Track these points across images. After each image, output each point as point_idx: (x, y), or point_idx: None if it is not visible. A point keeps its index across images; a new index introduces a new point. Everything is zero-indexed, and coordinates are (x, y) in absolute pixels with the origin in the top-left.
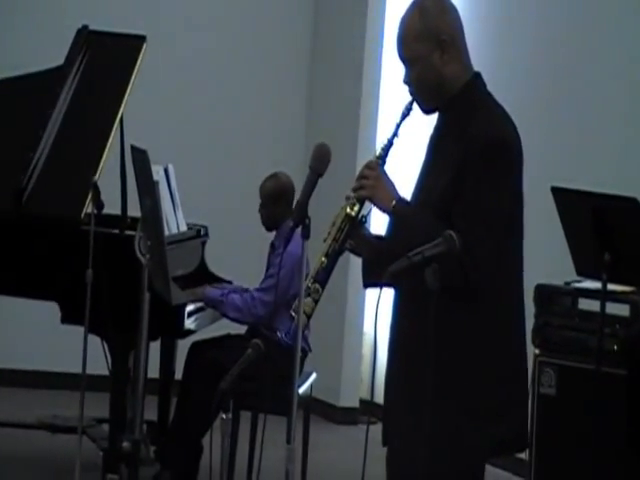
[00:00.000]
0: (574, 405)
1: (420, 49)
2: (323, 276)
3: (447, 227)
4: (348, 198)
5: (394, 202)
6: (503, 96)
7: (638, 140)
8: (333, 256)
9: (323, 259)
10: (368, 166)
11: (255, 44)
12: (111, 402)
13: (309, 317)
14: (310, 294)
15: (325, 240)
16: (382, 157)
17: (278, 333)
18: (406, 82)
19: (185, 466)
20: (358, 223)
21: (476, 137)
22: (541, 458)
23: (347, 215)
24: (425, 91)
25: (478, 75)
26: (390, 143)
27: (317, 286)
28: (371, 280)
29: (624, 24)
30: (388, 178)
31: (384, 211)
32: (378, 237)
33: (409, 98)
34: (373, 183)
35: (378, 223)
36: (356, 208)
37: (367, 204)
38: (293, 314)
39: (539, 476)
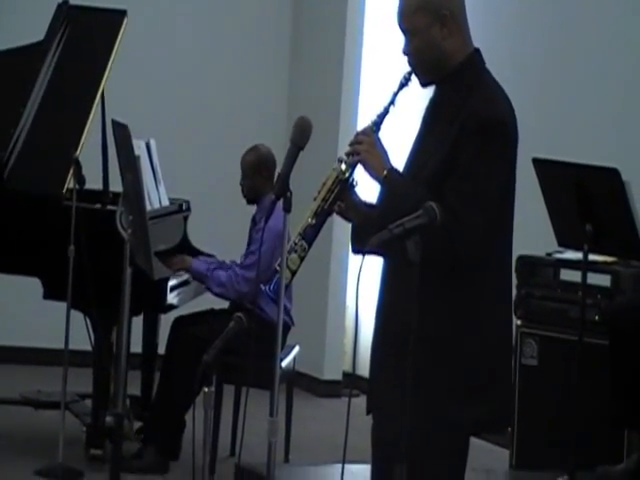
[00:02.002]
0: (556, 375)
1: (420, 21)
2: (311, 234)
3: (437, 200)
4: (340, 160)
5: (385, 171)
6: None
7: (619, 111)
8: (322, 216)
9: (311, 218)
10: (363, 132)
11: (238, 20)
12: (94, 377)
13: (294, 274)
14: (296, 251)
15: (315, 199)
16: (377, 124)
17: (262, 286)
18: (405, 53)
19: (168, 441)
20: (348, 186)
21: (473, 114)
22: (523, 429)
23: (338, 177)
24: (423, 64)
25: (477, 51)
26: (386, 111)
27: (304, 243)
28: (360, 246)
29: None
30: (382, 146)
31: (375, 178)
32: (367, 204)
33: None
34: (367, 148)
35: (366, 190)
36: (348, 171)
37: (358, 169)
38: (277, 268)
39: (521, 447)
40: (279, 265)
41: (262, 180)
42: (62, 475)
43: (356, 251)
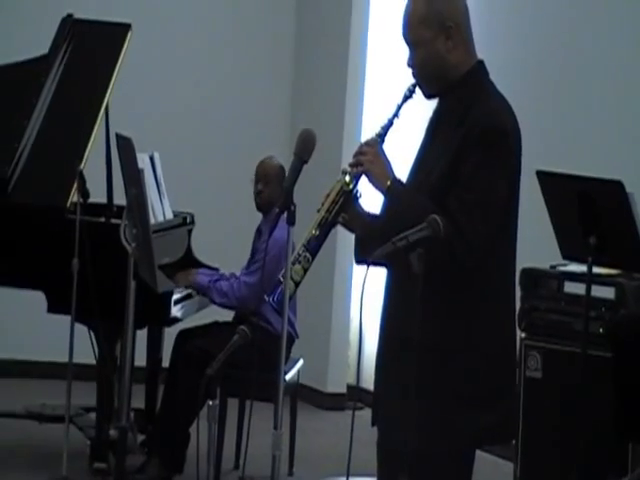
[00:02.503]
0: (560, 388)
1: (424, 34)
2: (315, 246)
3: (440, 209)
4: (344, 172)
5: (389, 182)
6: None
7: (622, 123)
8: (326, 227)
9: (315, 229)
10: (367, 143)
11: (240, 31)
12: (98, 391)
13: (297, 284)
14: (300, 262)
15: (319, 211)
16: (381, 136)
17: (265, 297)
18: (409, 65)
19: (173, 454)
20: (352, 198)
21: (476, 123)
22: (527, 441)
23: (342, 188)
24: (427, 76)
25: (481, 63)
26: (390, 123)
27: (308, 255)
28: (363, 257)
29: (617, 6)
30: (386, 157)
31: (378, 189)
32: (371, 215)
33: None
34: (371, 159)
35: (370, 201)
36: (352, 182)
37: (362, 181)
38: (281, 279)
39: (525, 459)
40: (283, 276)
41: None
42: None
43: (359, 262)
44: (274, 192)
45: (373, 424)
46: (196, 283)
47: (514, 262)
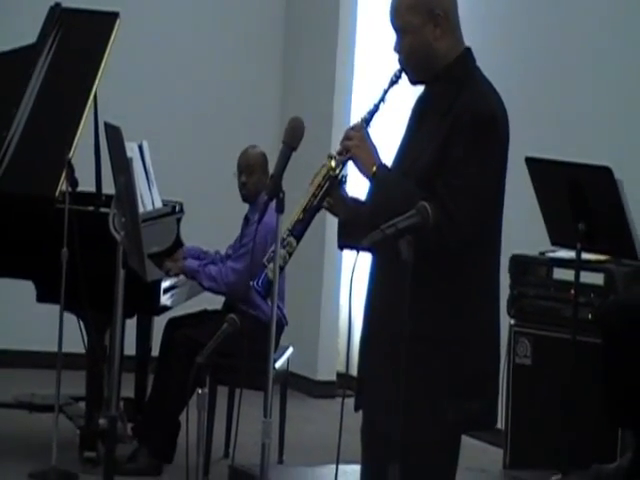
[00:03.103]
0: (549, 374)
1: (413, 20)
2: (299, 230)
3: (426, 194)
4: (330, 156)
5: (375, 167)
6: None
7: (611, 109)
8: (311, 211)
9: (300, 214)
10: (353, 127)
11: (228, 19)
12: (87, 380)
13: (282, 269)
14: (285, 246)
15: (304, 195)
16: (367, 120)
17: (251, 282)
18: (396, 51)
19: (162, 443)
20: (338, 183)
21: (465, 110)
22: (516, 428)
23: (328, 173)
24: (414, 62)
25: (468, 50)
26: (376, 108)
27: (292, 239)
28: (346, 242)
29: None
30: (371, 142)
31: (364, 174)
32: (356, 200)
33: (390, 70)
34: (356, 144)
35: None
36: (338, 167)
37: (348, 165)
38: (266, 263)
39: (514, 446)
40: (267, 260)
41: (265, 179)
42: (56, 478)
43: (342, 247)
44: (259, 181)
45: (357, 409)
46: (186, 268)
47: (499, 249)
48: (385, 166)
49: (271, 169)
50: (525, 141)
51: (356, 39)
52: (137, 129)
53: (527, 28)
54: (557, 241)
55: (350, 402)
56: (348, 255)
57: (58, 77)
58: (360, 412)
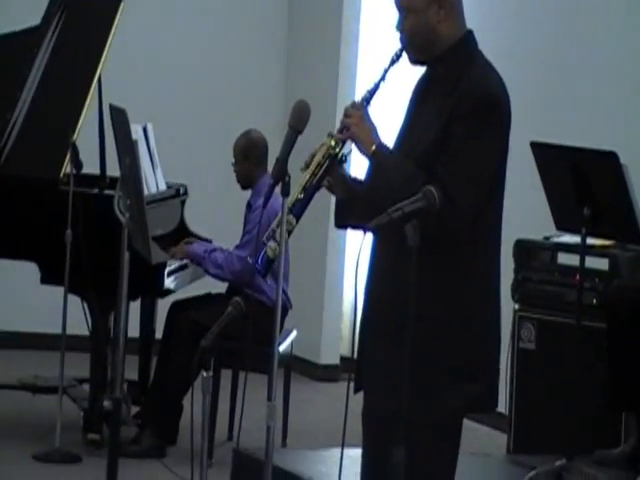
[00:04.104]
0: (553, 359)
1: (417, 1)
2: (299, 209)
3: (427, 176)
4: (330, 135)
5: (374, 146)
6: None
7: (617, 94)
8: (310, 190)
9: (300, 192)
10: (352, 105)
11: (234, 4)
12: (91, 362)
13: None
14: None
15: (304, 173)
16: (367, 99)
17: (247, 258)
18: (398, 29)
19: (166, 425)
20: (338, 162)
21: (467, 92)
22: (520, 413)
23: (328, 151)
24: (416, 43)
25: (470, 33)
26: (376, 87)
27: (291, 218)
28: (344, 221)
29: None
30: (371, 121)
31: (363, 154)
32: (355, 180)
33: (398, 45)
34: (356, 122)
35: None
36: (338, 146)
37: (349, 144)
38: (265, 241)
39: (518, 431)
40: (266, 238)
41: (250, 165)
42: (60, 459)
43: (339, 226)
44: (242, 168)
45: (356, 391)
46: (192, 252)
47: (500, 233)
48: (385, 145)
49: (276, 151)
50: (530, 126)
51: (360, 21)
52: (141, 112)
53: (531, 12)
54: (562, 226)
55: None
56: (352, 238)
57: (62, 59)
58: (357, 394)
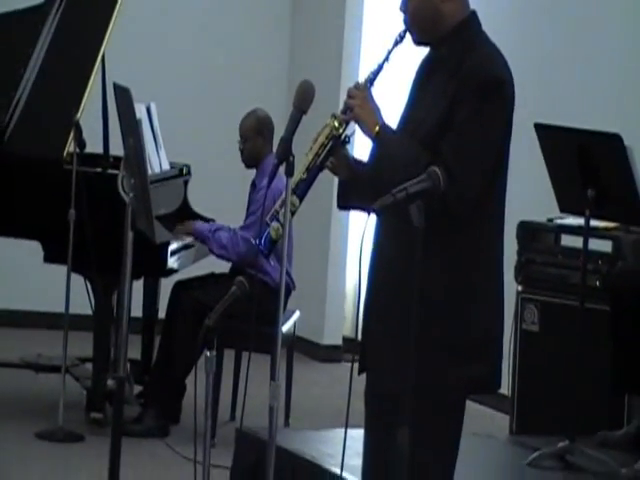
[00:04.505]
0: (556, 341)
1: None
2: (302, 189)
3: (431, 156)
4: (334, 116)
5: (378, 127)
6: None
7: (621, 75)
8: (314, 171)
9: (303, 173)
10: (356, 86)
11: None
12: (94, 341)
13: (282, 226)
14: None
15: (307, 154)
16: (370, 80)
17: (251, 240)
18: (402, 10)
19: (169, 404)
20: (341, 143)
21: (471, 73)
22: (523, 394)
23: (331, 132)
24: (419, 24)
25: (474, 14)
26: (380, 68)
27: (295, 198)
28: (346, 203)
29: None
30: (374, 101)
31: (367, 134)
32: (358, 161)
33: (402, 26)
34: (359, 103)
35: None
36: (341, 127)
37: (352, 125)
38: (268, 222)
39: (521, 412)
40: (269, 219)
41: (262, 142)
42: (62, 438)
43: (341, 207)
44: (253, 147)
45: (360, 372)
46: (196, 231)
47: (503, 214)
48: (388, 126)
49: (280, 131)
50: (534, 107)
51: (364, 2)
52: (144, 91)
53: None
54: (566, 208)
55: (357, 367)
56: (354, 219)
57: (66, 38)
58: (361, 374)
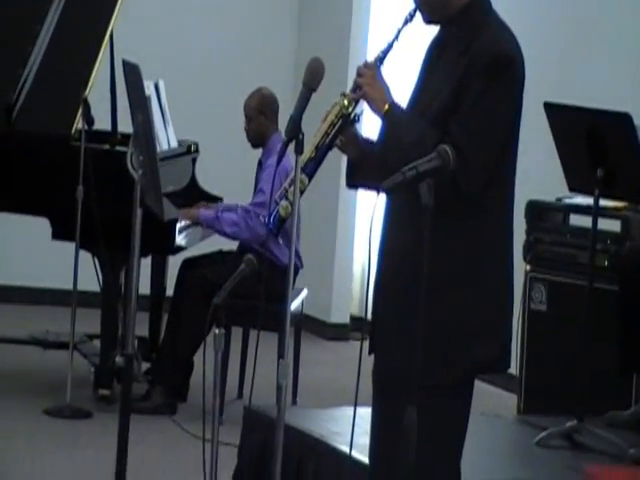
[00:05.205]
0: (564, 321)
1: None
2: (311, 168)
3: (441, 135)
4: (343, 94)
5: (387, 105)
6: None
7: (631, 55)
8: (323, 149)
9: (312, 152)
10: (366, 65)
11: None
12: (102, 318)
13: (292, 204)
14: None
15: (316, 133)
16: (380, 59)
17: (261, 217)
18: None
19: (176, 382)
20: (350, 121)
21: (482, 51)
22: (531, 374)
23: (341, 111)
24: (429, 3)
25: None
26: (390, 46)
27: (304, 177)
28: (355, 181)
29: None
30: (384, 80)
31: (376, 113)
32: (367, 140)
33: (406, 10)
34: (368, 81)
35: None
36: (351, 106)
37: (362, 104)
38: (277, 200)
39: (528, 392)
40: (279, 197)
41: (266, 121)
42: (70, 415)
43: (350, 186)
44: (258, 125)
45: (370, 352)
46: (202, 216)
47: (513, 193)
48: (398, 105)
49: (288, 109)
50: (543, 86)
51: None
52: (153, 68)
53: None
54: (574, 187)
55: (365, 345)
56: (363, 198)
57: (74, 15)
58: (371, 355)
